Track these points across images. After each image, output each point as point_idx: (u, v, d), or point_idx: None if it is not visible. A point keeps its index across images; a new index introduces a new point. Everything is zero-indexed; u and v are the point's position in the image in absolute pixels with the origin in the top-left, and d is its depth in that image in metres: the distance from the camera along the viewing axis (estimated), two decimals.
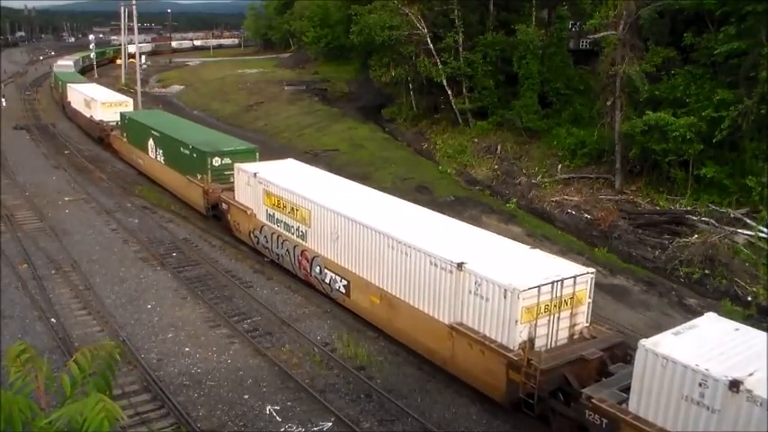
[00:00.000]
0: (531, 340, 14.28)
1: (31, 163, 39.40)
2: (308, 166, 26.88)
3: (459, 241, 16.98)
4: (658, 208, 28.82)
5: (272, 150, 36.54)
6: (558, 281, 14.51)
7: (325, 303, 20.78)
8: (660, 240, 26.55)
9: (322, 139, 48.06)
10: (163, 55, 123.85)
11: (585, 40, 41.45)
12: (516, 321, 14.07)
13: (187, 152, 29.48)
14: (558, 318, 14.71)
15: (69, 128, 51.82)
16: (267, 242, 23.70)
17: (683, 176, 28.57)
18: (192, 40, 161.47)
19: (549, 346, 14.61)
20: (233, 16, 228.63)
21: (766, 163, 26.42)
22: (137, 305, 20.44)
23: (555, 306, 14.52)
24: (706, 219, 26.39)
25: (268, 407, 15.33)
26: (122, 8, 72.70)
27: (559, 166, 34.58)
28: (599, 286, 19.12)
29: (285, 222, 22.34)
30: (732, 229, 25.36)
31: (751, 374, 10.48)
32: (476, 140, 40.56)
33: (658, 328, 20.09)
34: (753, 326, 13.32)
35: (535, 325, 14.33)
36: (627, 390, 12.45)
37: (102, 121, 43.94)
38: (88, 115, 46.86)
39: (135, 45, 69.29)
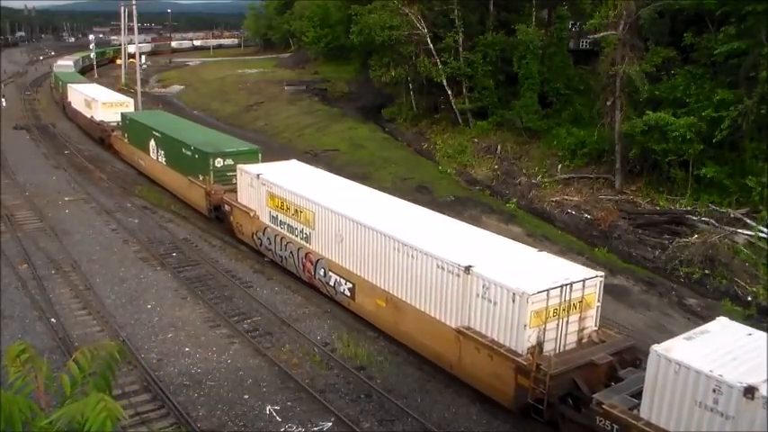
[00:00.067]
0: (540, 345, 14.13)
1: (31, 163, 39.40)
2: (311, 167, 26.76)
3: (466, 244, 16.85)
4: (658, 208, 28.82)
5: (272, 150, 36.51)
6: (567, 284, 14.36)
7: (326, 303, 20.78)
8: (660, 240, 26.55)
9: (322, 139, 48.06)
10: (163, 55, 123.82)
11: (585, 40, 41.45)
12: (525, 325, 13.92)
13: (189, 153, 29.42)
14: (567, 322, 14.56)
15: (69, 128, 51.82)
16: (270, 244, 23.57)
17: (683, 176, 28.57)
18: (191, 40, 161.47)
19: (557, 351, 14.46)
20: (233, 16, 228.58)
21: (766, 163, 26.42)
22: (137, 305, 20.44)
23: (564, 310, 14.37)
24: (706, 219, 26.38)
25: (268, 407, 15.34)
26: (122, 8, 72.74)
27: (559, 166, 34.58)
28: None
29: (289, 224, 22.20)
30: (732, 229, 25.35)
31: (766, 380, 10.36)
32: (476, 140, 40.56)
33: (658, 329, 20.17)
34: (753, 326, 13.28)
35: (544, 329, 14.18)
36: (638, 395, 12.29)
37: (102, 121, 43.85)
38: (89, 116, 46.77)
39: (135, 45, 69.23)
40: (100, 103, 45.10)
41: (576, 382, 13.75)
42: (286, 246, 22.55)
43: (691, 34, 29.29)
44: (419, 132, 46.52)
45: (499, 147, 38.58)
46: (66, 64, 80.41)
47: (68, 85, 55.70)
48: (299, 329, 19.05)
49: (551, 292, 14.12)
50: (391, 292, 17.65)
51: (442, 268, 15.75)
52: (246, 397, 15.75)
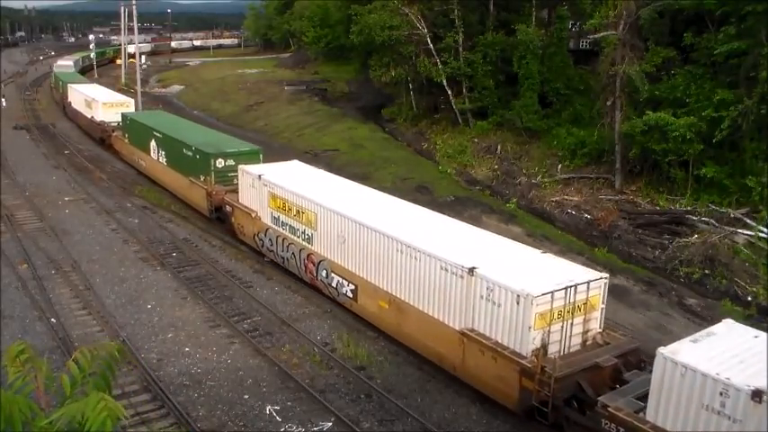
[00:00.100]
0: (545, 347, 14.06)
1: (31, 163, 39.40)
2: (313, 168, 26.68)
3: (469, 245, 16.78)
4: (658, 208, 28.82)
5: (272, 150, 36.50)
6: (571, 286, 14.30)
7: (326, 303, 20.78)
8: (660, 240, 26.55)
9: (322, 139, 48.07)
10: (163, 55, 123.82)
11: (585, 40, 41.46)
12: (529, 328, 13.84)
13: (190, 154, 29.37)
14: (572, 324, 14.49)
15: (69, 128, 51.83)
16: (272, 245, 23.50)
17: (683, 176, 28.56)
18: (191, 40, 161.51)
19: (561, 353, 14.39)
20: (233, 16, 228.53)
21: (766, 163, 26.41)
22: (137, 305, 20.44)
23: (568, 312, 14.29)
24: (706, 219, 26.38)
25: (268, 407, 15.34)
26: (122, 8, 72.75)
27: (559, 166, 34.58)
28: None
29: (291, 225, 22.13)
30: (732, 229, 25.35)
31: None
32: (476, 140, 40.56)
33: (658, 329, 20.18)
34: (753, 326, 13.24)
35: (548, 331, 14.11)
36: (643, 398, 12.22)
37: (103, 121, 43.80)
38: (89, 116, 46.73)
39: (135, 45, 69.24)
40: (100, 103, 45.05)
41: (581, 384, 13.65)
42: (288, 247, 22.47)
43: (691, 34, 29.29)
44: (419, 132, 46.52)
45: (499, 147, 38.58)
46: (66, 64, 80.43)
47: (69, 85, 55.66)
48: (299, 329, 19.05)
49: (556, 293, 14.05)
50: (394, 293, 17.56)
51: (446, 270, 15.67)
52: (246, 397, 15.75)
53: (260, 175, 23.70)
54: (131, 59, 76.19)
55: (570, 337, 14.58)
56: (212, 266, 23.83)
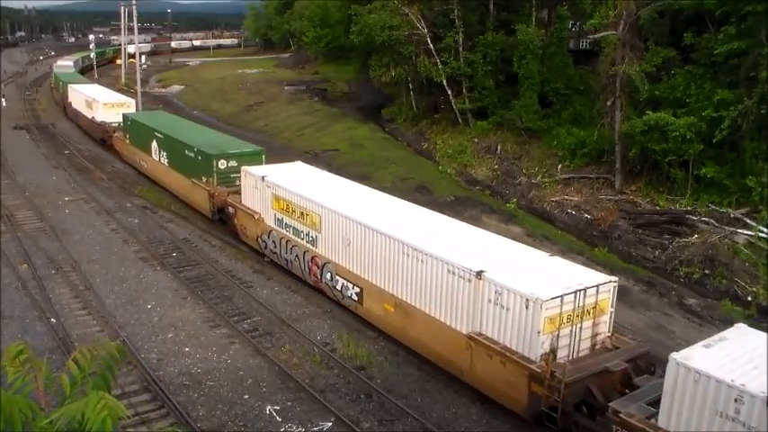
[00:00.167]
0: (554, 351, 13.90)
1: (31, 163, 39.41)
2: (317, 169, 26.53)
3: (477, 248, 16.61)
4: (658, 208, 28.82)
5: (272, 150, 36.45)
6: (581, 290, 14.12)
7: (326, 303, 20.78)
8: (660, 240, 26.55)
9: (322, 139, 48.07)
10: (163, 55, 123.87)
11: (585, 40, 41.47)
12: (538, 332, 13.66)
13: (192, 154, 29.25)
14: (581, 328, 14.33)
15: (69, 128, 51.84)
16: (275, 247, 23.33)
17: (683, 176, 28.57)
18: (191, 40, 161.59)
19: (570, 358, 14.23)
20: (233, 16, 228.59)
21: (766, 163, 26.41)
22: (137, 305, 20.44)
23: (577, 316, 14.13)
24: (706, 219, 26.38)
25: (268, 407, 15.34)
26: (122, 8, 72.78)
27: (559, 166, 34.59)
28: None
29: (294, 227, 21.95)
30: (732, 229, 25.36)
31: None
32: (476, 140, 40.56)
33: (658, 329, 20.18)
34: (752, 326, 13.21)
35: (557, 335, 13.95)
36: (655, 404, 12.05)
37: (104, 122, 43.72)
38: (90, 116, 46.66)
39: (135, 45, 69.24)
40: (101, 103, 44.98)
41: (591, 389, 13.50)
42: (291, 249, 22.31)
43: (691, 34, 29.29)
44: (419, 132, 46.53)
45: (499, 147, 38.59)
46: (66, 64, 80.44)
47: (69, 85, 55.59)
48: (299, 329, 19.05)
49: (565, 297, 13.86)
50: (400, 296, 17.37)
51: (453, 273, 15.49)
52: (246, 397, 15.75)
53: (263, 177, 23.52)
54: (131, 59, 76.21)
55: (579, 341, 14.39)
56: (212, 266, 23.83)
